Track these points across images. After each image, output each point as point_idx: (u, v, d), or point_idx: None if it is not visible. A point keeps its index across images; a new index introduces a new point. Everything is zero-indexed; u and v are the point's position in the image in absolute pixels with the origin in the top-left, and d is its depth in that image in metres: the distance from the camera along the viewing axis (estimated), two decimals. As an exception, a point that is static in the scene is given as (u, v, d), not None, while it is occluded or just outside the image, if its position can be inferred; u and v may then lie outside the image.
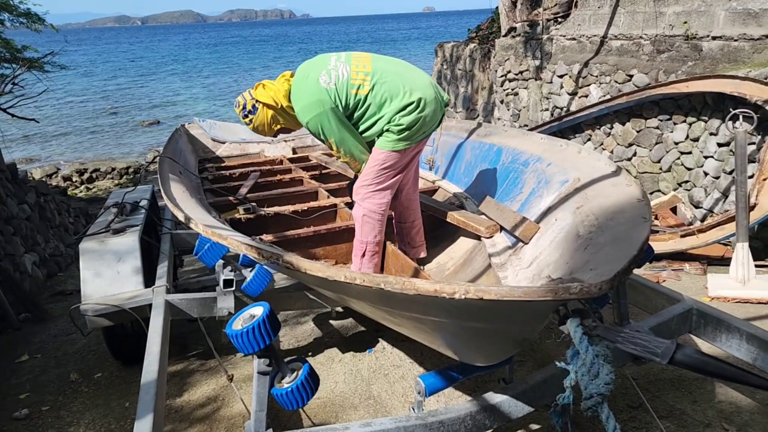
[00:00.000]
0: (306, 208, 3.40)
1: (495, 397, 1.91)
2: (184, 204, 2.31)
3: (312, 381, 1.80)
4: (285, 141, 5.70)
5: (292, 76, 2.54)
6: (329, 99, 2.37)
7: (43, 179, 10.67)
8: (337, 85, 2.38)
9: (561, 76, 6.23)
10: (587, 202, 1.93)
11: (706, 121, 4.87)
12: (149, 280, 2.97)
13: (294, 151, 5.65)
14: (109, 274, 3.02)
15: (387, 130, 2.43)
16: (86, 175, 11.48)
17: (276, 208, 3.41)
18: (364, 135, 2.51)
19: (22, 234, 5.47)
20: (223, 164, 5.09)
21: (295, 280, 2.81)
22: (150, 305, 2.75)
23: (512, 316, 1.35)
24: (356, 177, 2.86)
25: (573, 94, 6.10)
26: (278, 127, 2.57)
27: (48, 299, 5.09)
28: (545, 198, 2.35)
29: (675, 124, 5.13)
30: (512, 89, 7.15)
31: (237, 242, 1.52)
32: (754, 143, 4.42)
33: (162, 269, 3.13)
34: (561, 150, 2.63)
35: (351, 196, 2.90)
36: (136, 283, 3.01)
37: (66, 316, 4.40)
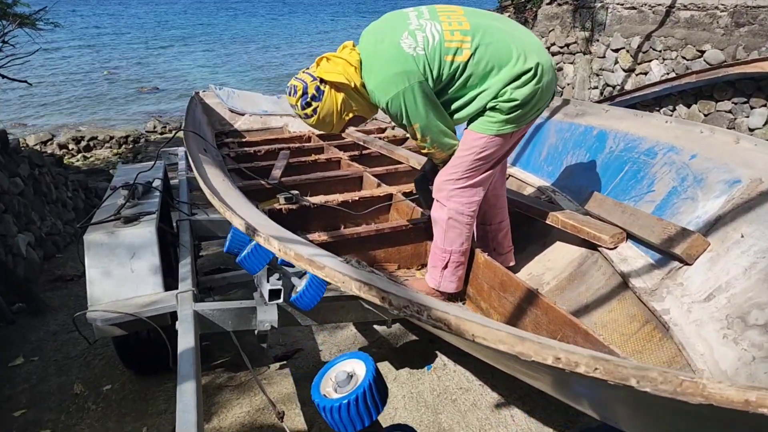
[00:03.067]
0: (357, 198, 2.84)
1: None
2: (229, 197, 1.75)
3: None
4: (310, 114, 5.07)
5: (354, 47, 1.94)
6: (417, 70, 1.78)
7: (37, 147, 10.02)
8: (427, 51, 1.78)
9: (616, 51, 5.61)
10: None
11: (793, 106, 4.32)
12: (168, 278, 2.45)
13: (321, 126, 5.03)
14: (120, 273, 2.47)
15: (492, 108, 1.86)
16: (83, 144, 10.81)
17: (321, 198, 2.84)
18: (456, 116, 1.93)
19: (14, 211, 4.88)
20: (244, 139, 4.49)
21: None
22: (171, 313, 2.25)
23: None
24: (428, 168, 2.30)
25: (630, 70, 5.49)
26: (350, 116, 1.95)
27: (45, 286, 4.55)
28: (704, 202, 1.80)
29: (752, 108, 4.57)
30: (556, 64, 6.52)
31: (347, 278, 0.98)
32: None
33: (185, 267, 2.57)
34: (704, 138, 2.07)
35: (418, 191, 2.35)
36: (154, 285, 2.47)
37: (67, 308, 3.86)
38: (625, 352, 1.53)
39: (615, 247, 2.00)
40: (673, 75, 5.07)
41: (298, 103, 1.89)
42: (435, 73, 1.80)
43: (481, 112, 1.89)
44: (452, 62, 1.80)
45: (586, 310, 1.94)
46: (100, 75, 18.68)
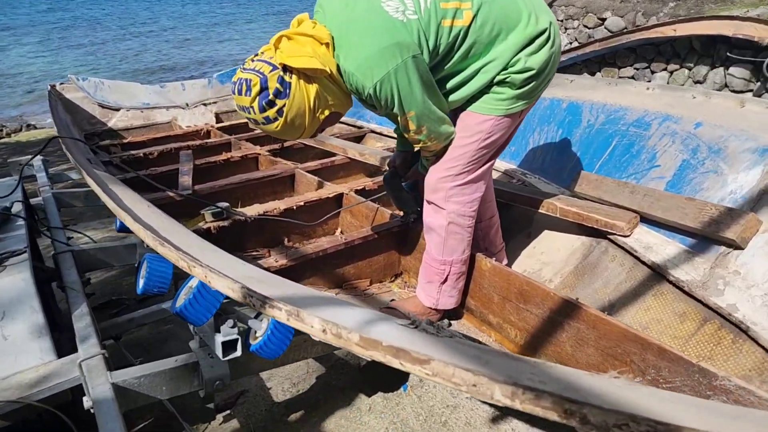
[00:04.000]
0: (302, 203, 2.32)
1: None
2: (176, 235, 1.18)
3: None
4: (204, 105, 4.36)
5: (315, 21, 1.43)
6: (411, 40, 1.34)
7: None
8: (420, 14, 1.35)
9: (518, 21, 5.57)
10: None
11: (691, 68, 4.54)
12: (54, 333, 1.78)
13: (218, 117, 4.34)
14: (-13, 343, 1.74)
15: (500, 82, 1.48)
16: None
17: (256, 208, 2.28)
18: (452, 97, 1.53)
19: None
20: (125, 141, 3.68)
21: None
22: (73, 389, 1.63)
23: None
24: (398, 162, 1.89)
25: (532, 41, 5.49)
26: (326, 113, 1.44)
27: None
28: (734, 175, 1.60)
29: (654, 72, 4.75)
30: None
31: (486, 380, 0.55)
32: (751, 90, 4.15)
33: (83, 321, 1.89)
34: (701, 103, 1.89)
35: (390, 191, 1.92)
36: (42, 352, 1.77)
37: None
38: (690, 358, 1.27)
39: (630, 234, 1.76)
40: (576, 44, 5.12)
41: (255, 105, 1.34)
42: (431, 42, 1.38)
43: (485, 89, 1.50)
44: (451, 27, 1.38)
45: (612, 309, 1.68)
46: None
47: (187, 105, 4.31)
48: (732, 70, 4.19)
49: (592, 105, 2.24)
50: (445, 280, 1.73)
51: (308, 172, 2.78)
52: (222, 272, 0.84)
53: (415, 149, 1.83)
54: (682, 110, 1.91)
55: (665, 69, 4.68)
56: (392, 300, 1.91)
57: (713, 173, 1.67)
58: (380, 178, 2.64)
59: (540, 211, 1.99)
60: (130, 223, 1.12)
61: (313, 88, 1.37)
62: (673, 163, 1.81)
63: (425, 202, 1.71)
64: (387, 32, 1.33)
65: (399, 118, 1.46)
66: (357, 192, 2.44)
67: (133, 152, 3.30)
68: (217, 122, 4.24)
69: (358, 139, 3.67)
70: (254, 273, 0.92)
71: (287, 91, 1.34)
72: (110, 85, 4.19)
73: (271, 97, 1.33)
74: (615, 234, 1.78)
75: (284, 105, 1.35)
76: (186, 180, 2.65)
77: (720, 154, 1.68)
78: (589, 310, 1.42)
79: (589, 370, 1.43)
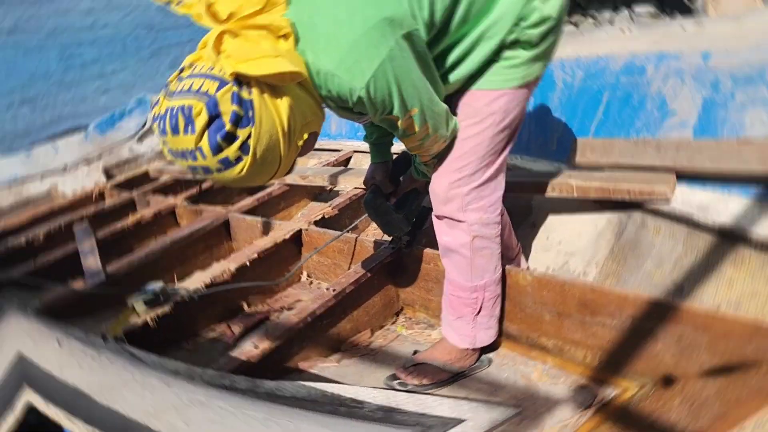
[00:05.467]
0: (255, 256, 1.82)
1: None
2: (84, 376, 0.68)
3: None
4: (87, 162, 3.65)
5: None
6: (403, 11, 0.94)
7: None
8: None
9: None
10: None
11: (595, 17, 4.51)
12: None
13: (109, 173, 3.65)
14: None
15: (512, 44, 1.11)
16: None
17: (198, 277, 1.75)
18: (452, 76, 1.13)
19: None
20: (-6, 227, 2.92)
21: None
22: None
23: None
24: (379, 178, 1.48)
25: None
26: (305, 137, 0.98)
27: None
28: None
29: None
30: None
31: None
32: (658, 26, 4.19)
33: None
34: (696, 34, 1.66)
35: (376, 217, 1.50)
36: None
37: None
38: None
39: (671, 198, 1.47)
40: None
41: (204, 144, 0.84)
42: (426, 10, 0.98)
43: (492, 58, 1.12)
44: None
45: (682, 293, 1.38)
46: None
47: (66, 167, 3.57)
48: (637, 9, 4.20)
49: (563, 62, 1.95)
50: (480, 310, 1.34)
51: (244, 213, 2.27)
52: None
53: (400, 153, 1.43)
54: (678, 44, 1.66)
55: (569, 21, 4.63)
56: (415, 352, 1.49)
57: (750, 105, 1.42)
58: (337, 200, 2.20)
59: (550, 194, 1.65)
60: (39, 403, 0.61)
61: (283, 104, 0.90)
62: (694, 105, 1.54)
63: (435, 219, 1.31)
64: (369, 4, 0.91)
65: (399, 122, 1.04)
66: (317, 224, 1.98)
67: (10, 242, 2.58)
68: (108, 179, 3.55)
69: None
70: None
71: (250, 114, 0.87)
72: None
73: (228, 127, 0.84)
74: (663, 198, 1.47)
75: (249, 136, 0.87)
76: (92, 262, 2.04)
77: (754, 82, 1.44)
78: (694, 308, 1.09)
79: (705, 378, 1.10)
